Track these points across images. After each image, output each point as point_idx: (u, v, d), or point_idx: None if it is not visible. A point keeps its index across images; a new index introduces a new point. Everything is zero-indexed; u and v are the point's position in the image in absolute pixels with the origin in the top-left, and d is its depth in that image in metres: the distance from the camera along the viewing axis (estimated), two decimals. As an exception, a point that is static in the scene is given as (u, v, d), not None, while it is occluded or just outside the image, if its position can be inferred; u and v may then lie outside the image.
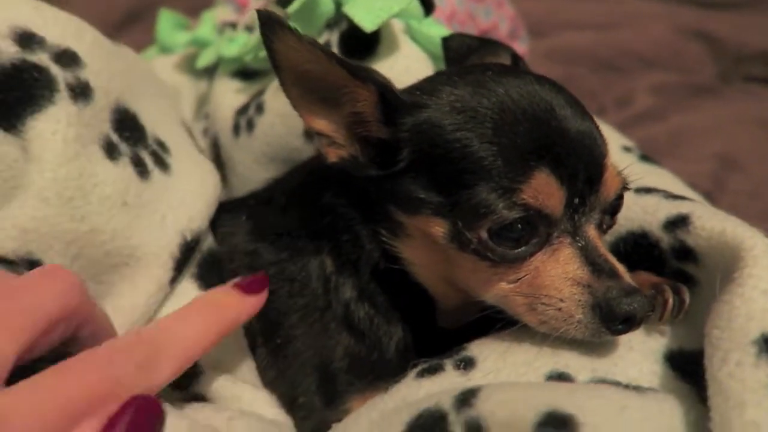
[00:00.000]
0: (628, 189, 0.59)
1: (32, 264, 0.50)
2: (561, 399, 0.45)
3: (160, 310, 0.59)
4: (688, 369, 0.53)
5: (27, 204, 0.49)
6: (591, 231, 0.56)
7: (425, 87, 0.61)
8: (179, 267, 0.60)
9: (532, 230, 0.54)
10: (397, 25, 0.77)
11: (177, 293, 0.61)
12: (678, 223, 0.58)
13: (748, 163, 1.22)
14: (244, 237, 0.70)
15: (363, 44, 0.76)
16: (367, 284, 0.64)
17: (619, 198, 0.59)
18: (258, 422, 0.55)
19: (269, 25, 0.54)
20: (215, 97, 0.94)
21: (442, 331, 0.66)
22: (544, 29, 1.52)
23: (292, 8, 0.74)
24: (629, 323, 0.52)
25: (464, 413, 0.46)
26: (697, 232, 0.55)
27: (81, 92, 0.55)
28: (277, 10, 0.85)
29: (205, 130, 0.98)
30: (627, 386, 0.49)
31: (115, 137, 0.58)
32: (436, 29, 0.81)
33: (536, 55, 1.37)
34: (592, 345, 0.55)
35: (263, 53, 0.81)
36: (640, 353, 0.54)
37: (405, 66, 0.75)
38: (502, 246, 0.53)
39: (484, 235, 0.53)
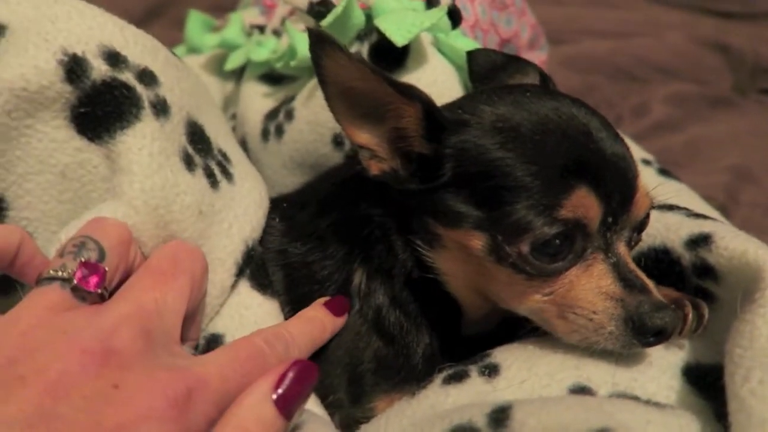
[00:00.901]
0: (654, 208, 0.62)
1: None
2: (596, 418, 0.46)
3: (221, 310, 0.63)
4: (704, 384, 0.55)
5: (119, 211, 0.53)
6: (622, 248, 0.58)
7: (465, 105, 0.63)
8: (240, 272, 0.64)
9: (570, 245, 0.56)
10: (426, 38, 0.79)
11: (234, 292, 0.64)
12: (700, 242, 0.60)
13: (763, 176, 1.23)
14: (277, 238, 0.72)
15: (392, 56, 0.77)
16: (400, 292, 0.66)
17: (647, 216, 0.61)
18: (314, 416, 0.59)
19: (320, 43, 0.57)
20: (243, 99, 0.96)
21: (465, 339, 0.68)
22: (563, 37, 1.53)
23: (326, 21, 0.76)
24: (660, 336, 0.55)
25: None
26: (719, 251, 0.57)
27: (161, 108, 0.58)
28: (308, 20, 0.87)
29: (233, 129, 1.00)
30: (647, 401, 0.51)
31: (190, 149, 0.62)
32: (462, 41, 0.83)
33: (554, 62, 1.38)
34: (613, 359, 0.57)
35: (294, 62, 0.84)
36: (659, 368, 0.56)
37: (433, 78, 0.77)
38: (540, 260, 0.56)
39: (525, 249, 0.55)
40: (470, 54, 0.78)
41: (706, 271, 0.59)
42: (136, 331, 0.45)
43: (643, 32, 1.61)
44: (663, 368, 0.57)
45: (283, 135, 0.85)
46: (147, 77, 0.58)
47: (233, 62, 1.02)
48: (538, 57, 1.32)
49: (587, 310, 0.56)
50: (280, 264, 0.71)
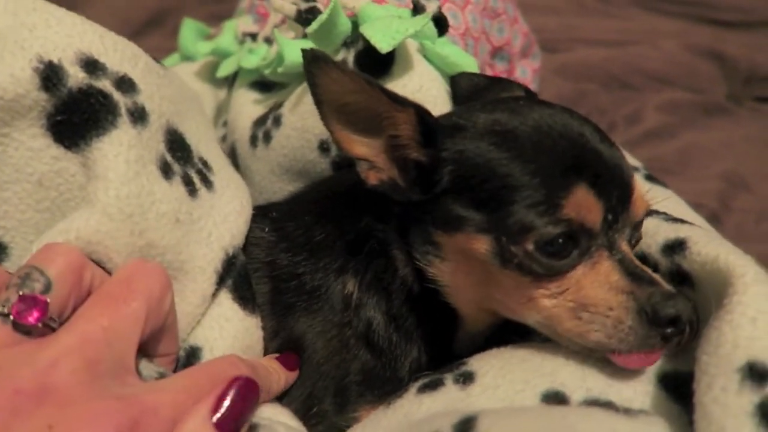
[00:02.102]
0: (651, 212, 0.62)
1: None
2: (556, 427, 0.47)
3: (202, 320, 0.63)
4: (681, 391, 0.54)
5: (93, 218, 0.53)
6: (624, 246, 0.59)
7: (460, 113, 0.64)
8: (221, 280, 0.64)
9: (574, 243, 0.56)
10: (412, 45, 0.80)
11: (215, 303, 0.64)
12: (675, 247, 0.60)
13: (756, 184, 1.23)
14: (265, 249, 0.72)
15: (378, 63, 0.78)
16: (398, 308, 0.66)
17: (644, 217, 0.62)
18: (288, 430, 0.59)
19: (314, 61, 0.58)
20: (234, 106, 0.97)
21: (454, 355, 0.68)
22: (556, 45, 1.54)
23: (311, 28, 0.77)
24: (676, 325, 0.54)
25: None
26: (693, 257, 0.57)
27: (139, 116, 0.59)
28: (296, 28, 0.88)
29: (223, 137, 1.01)
30: (617, 409, 0.51)
31: (169, 157, 0.62)
32: (449, 49, 0.83)
33: (548, 70, 1.39)
34: (588, 365, 0.57)
35: (281, 68, 0.85)
36: (635, 373, 0.56)
37: (419, 84, 0.78)
38: (546, 257, 0.56)
39: (530, 247, 0.55)
40: (453, 78, 0.80)
41: (682, 277, 0.59)
42: (78, 363, 0.43)
43: (638, 41, 1.61)
44: (639, 374, 0.56)
45: (270, 141, 0.86)
46: (125, 84, 0.59)
47: (225, 69, 1.03)
48: (530, 65, 1.32)
49: (603, 307, 0.55)
50: (268, 275, 0.71)
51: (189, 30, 1.17)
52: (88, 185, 0.55)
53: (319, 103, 0.61)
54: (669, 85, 1.49)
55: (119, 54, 0.60)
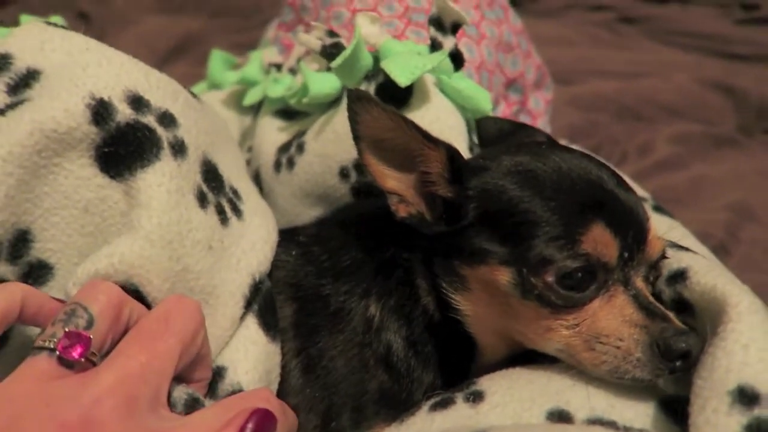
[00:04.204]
0: (666, 257, 0.65)
1: (133, 293, 0.57)
2: None
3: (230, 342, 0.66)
4: (680, 414, 0.56)
5: (136, 244, 0.56)
6: (639, 282, 0.62)
7: (486, 155, 0.70)
8: (248, 305, 0.67)
9: (591, 277, 0.60)
10: (429, 79, 0.84)
11: (242, 326, 0.67)
12: (677, 277, 0.63)
13: (764, 215, 1.25)
14: (292, 271, 0.75)
15: (397, 96, 0.82)
16: (419, 335, 0.69)
17: (662, 257, 0.65)
18: None
19: (358, 100, 0.63)
20: (259, 133, 1.02)
21: None
22: (570, 77, 1.58)
23: (335, 62, 0.81)
24: (685, 359, 0.57)
25: None
26: (692, 286, 0.60)
27: (179, 149, 0.63)
28: (320, 60, 0.93)
29: (248, 161, 1.06)
30: (618, 428, 0.54)
31: (204, 187, 0.66)
32: (464, 83, 0.88)
33: (561, 102, 1.43)
34: (593, 386, 0.60)
35: (306, 99, 0.90)
36: (637, 396, 0.59)
37: (435, 116, 0.82)
38: (565, 290, 0.60)
39: (550, 279, 0.59)
40: (479, 122, 0.85)
41: (683, 305, 0.62)
42: (120, 399, 0.46)
43: (651, 73, 1.65)
44: (641, 396, 0.59)
45: (294, 167, 0.90)
46: (167, 119, 0.63)
47: (251, 98, 1.08)
48: (543, 96, 1.36)
49: (614, 338, 0.59)
50: (292, 297, 0.74)
51: (217, 60, 1.22)
52: (130, 212, 0.59)
53: (357, 138, 0.66)
54: (680, 117, 1.52)
55: (162, 91, 0.64)
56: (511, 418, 0.58)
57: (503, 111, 1.23)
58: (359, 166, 0.83)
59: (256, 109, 1.11)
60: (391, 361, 0.69)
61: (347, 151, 0.83)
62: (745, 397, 0.47)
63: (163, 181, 0.60)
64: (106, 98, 0.59)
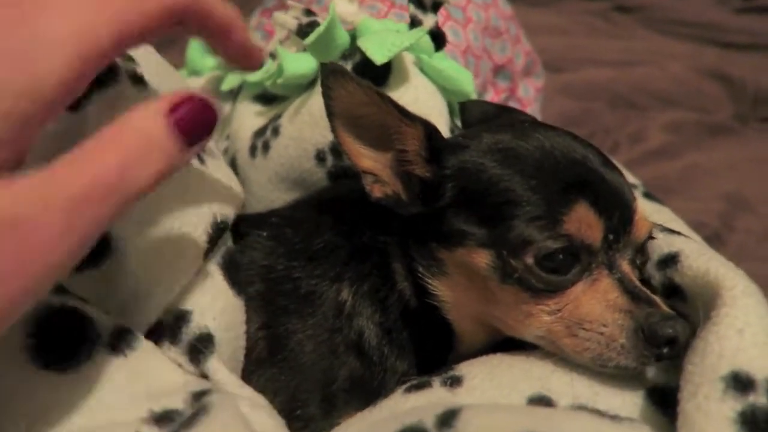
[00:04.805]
0: (653, 238, 0.62)
1: None
2: (539, 424, 0.46)
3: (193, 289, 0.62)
4: (669, 403, 0.53)
5: None
6: (625, 266, 0.59)
7: (467, 134, 0.66)
8: (211, 246, 0.63)
9: (574, 259, 0.56)
10: (408, 58, 0.81)
11: (208, 276, 0.63)
12: (668, 261, 0.60)
13: (758, 204, 1.23)
14: (264, 252, 0.72)
15: (375, 75, 0.79)
16: (393, 322, 0.66)
17: (647, 239, 0.62)
18: (272, 416, 0.57)
19: (332, 73, 0.59)
20: (237, 119, 0.99)
21: None
22: (562, 64, 1.55)
23: (308, 39, 0.78)
24: (672, 346, 0.54)
25: None
26: (684, 271, 0.57)
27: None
28: (297, 42, 0.89)
29: (225, 149, 1.02)
30: (603, 414, 0.51)
31: None
32: (445, 63, 0.84)
33: (552, 90, 1.40)
34: (577, 372, 0.56)
35: (281, 80, 0.86)
36: (624, 384, 0.56)
37: (414, 96, 0.78)
38: (545, 273, 0.56)
39: (530, 261, 0.56)
40: (463, 105, 0.81)
41: (674, 290, 0.59)
42: None
43: (646, 61, 1.62)
44: (627, 384, 0.56)
45: (269, 150, 0.87)
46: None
47: (230, 83, 1.05)
48: (533, 83, 1.33)
49: (597, 323, 0.55)
50: (264, 277, 0.71)
51: (196, 47, 1.19)
52: None
53: (331, 114, 0.62)
54: (674, 106, 1.50)
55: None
56: (489, 403, 0.55)
57: (492, 98, 1.20)
58: (336, 150, 0.80)
59: (234, 95, 1.08)
60: (363, 347, 0.66)
61: (323, 135, 0.80)
62: (740, 383, 0.44)
63: None
64: None
